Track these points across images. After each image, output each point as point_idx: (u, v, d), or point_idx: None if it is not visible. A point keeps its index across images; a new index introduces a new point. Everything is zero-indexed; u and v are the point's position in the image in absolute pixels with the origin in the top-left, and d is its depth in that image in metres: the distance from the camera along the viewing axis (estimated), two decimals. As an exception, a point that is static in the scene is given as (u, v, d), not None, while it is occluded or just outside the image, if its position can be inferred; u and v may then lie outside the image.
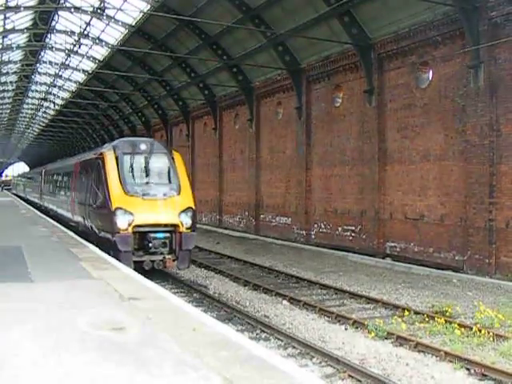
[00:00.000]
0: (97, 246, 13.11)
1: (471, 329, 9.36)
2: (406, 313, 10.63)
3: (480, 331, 9.17)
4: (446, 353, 8.14)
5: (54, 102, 51.12)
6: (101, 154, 14.57)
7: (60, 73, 43.36)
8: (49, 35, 34.19)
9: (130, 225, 12.74)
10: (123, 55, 33.54)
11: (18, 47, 36.07)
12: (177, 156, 14.71)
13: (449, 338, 9.08)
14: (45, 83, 47.02)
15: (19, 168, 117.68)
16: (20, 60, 39.73)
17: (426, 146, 17.21)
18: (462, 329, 9.42)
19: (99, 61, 36.75)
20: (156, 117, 39.75)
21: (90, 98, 45.90)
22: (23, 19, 31.15)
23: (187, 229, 13.22)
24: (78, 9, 27.81)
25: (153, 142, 15.17)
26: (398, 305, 11.55)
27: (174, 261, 13.26)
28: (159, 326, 5.76)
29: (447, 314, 10.54)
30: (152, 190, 13.42)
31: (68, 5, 28.95)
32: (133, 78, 36.80)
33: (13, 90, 48.51)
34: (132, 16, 28.35)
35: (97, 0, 27.26)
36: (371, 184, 19.29)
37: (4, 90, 48.29)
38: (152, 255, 13.03)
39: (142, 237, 13.05)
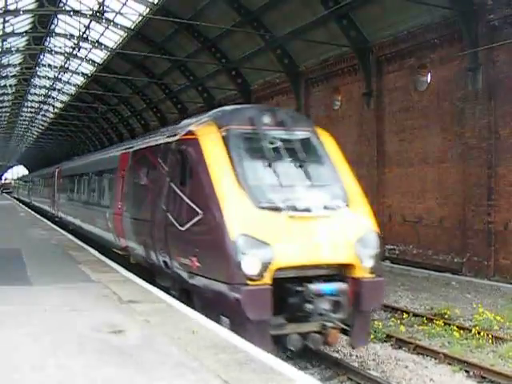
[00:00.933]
0: (183, 300, 7.66)
1: (470, 331, 9.36)
2: (405, 315, 10.63)
3: (479, 333, 9.16)
4: (444, 355, 8.13)
5: (53, 106, 51.20)
6: (190, 133, 8.23)
7: (59, 76, 43.39)
8: (48, 38, 34.29)
9: (266, 267, 6.59)
10: (122, 58, 33.55)
11: (18, 50, 36.10)
12: (325, 137, 8.56)
13: (448, 341, 9.07)
14: (44, 86, 47.06)
15: (19, 171, 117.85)
16: (19, 63, 39.75)
17: (424, 148, 17.21)
18: (461, 331, 9.41)
19: (98, 64, 36.78)
20: (155, 120, 39.73)
21: (89, 102, 45.88)
22: (22, 22, 31.24)
23: (370, 272, 7.27)
24: (77, 12, 27.78)
25: (283, 110, 9.37)
26: (396, 307, 11.51)
27: (341, 332, 7.34)
28: (158, 328, 5.76)
29: (446, 316, 10.53)
30: (302, 198, 7.27)
31: (67, 8, 28.99)
32: (132, 82, 36.82)
33: (12, 93, 48.51)
34: (131, 19, 28.38)
35: (96, 3, 27.27)
36: (370, 187, 19.23)
37: (3, 94, 48.30)
38: (302, 323, 6.95)
39: (285, 290, 6.85)
